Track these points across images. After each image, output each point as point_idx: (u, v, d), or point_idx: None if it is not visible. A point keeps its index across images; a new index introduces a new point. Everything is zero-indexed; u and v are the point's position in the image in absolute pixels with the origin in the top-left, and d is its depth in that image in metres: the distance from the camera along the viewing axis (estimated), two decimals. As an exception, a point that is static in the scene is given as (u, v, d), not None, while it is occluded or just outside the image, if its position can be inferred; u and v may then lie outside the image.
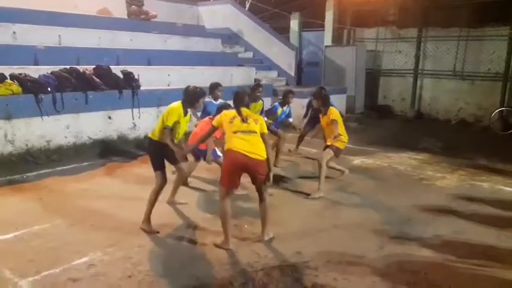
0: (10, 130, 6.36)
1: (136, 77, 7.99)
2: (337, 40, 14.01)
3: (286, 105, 7.30)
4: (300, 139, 8.01)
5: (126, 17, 11.60)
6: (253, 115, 4.28)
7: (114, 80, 7.70)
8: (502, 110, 11.20)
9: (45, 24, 8.87)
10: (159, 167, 4.57)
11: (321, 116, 6.22)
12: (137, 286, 3.45)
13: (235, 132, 4.09)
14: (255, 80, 11.21)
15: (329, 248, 4.20)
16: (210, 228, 4.57)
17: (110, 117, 7.57)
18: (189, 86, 4.68)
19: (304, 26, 14.58)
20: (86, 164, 6.67)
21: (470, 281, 3.68)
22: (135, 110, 7.89)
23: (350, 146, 7.07)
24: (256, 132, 4.13)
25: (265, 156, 4.11)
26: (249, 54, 13.58)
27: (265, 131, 4.23)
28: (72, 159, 6.69)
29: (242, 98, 4.30)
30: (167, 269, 3.72)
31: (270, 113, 7.25)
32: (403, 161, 7.77)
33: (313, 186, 5.84)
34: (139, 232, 4.44)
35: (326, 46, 13.70)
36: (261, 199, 4.27)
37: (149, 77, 8.65)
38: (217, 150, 5.65)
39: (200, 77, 9.88)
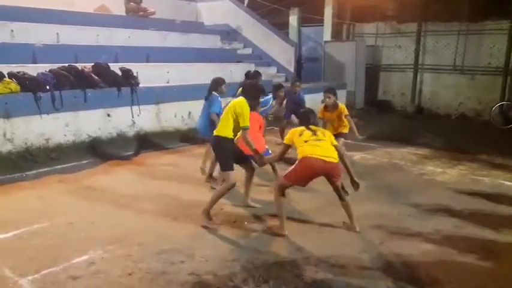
0: (9, 129, 6.34)
1: (135, 74, 7.96)
2: (336, 35, 13.98)
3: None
4: (282, 132, 8.10)
5: (124, 14, 11.55)
6: (320, 129, 4.58)
7: (112, 78, 7.67)
8: (502, 104, 11.18)
9: (43, 22, 8.83)
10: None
11: (329, 112, 6.62)
12: (138, 284, 3.45)
13: (306, 141, 4.29)
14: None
15: (329, 244, 4.19)
16: (209, 225, 4.55)
17: (109, 115, 7.55)
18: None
19: (303, 22, 14.53)
20: (85, 162, 6.66)
21: (470, 276, 3.67)
22: (134, 108, 7.86)
23: (349, 141, 7.08)
24: (325, 140, 4.34)
25: (338, 160, 4.28)
26: (248, 51, 13.54)
27: (335, 143, 4.47)
28: (72, 158, 6.67)
29: (309, 117, 4.59)
30: (167, 267, 3.71)
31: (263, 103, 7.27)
32: (404, 156, 7.76)
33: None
34: (139, 230, 4.44)
35: (325, 41, 13.67)
36: (341, 198, 4.46)
37: (148, 74, 8.62)
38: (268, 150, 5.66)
39: (199, 73, 9.87)
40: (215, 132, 4.65)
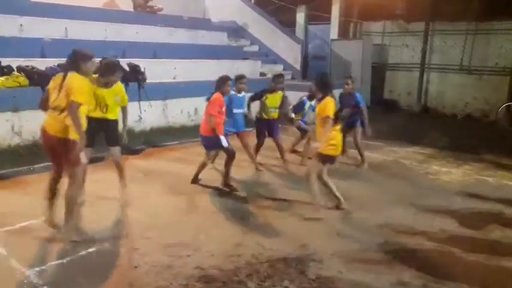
0: (17, 122, 6.40)
1: (142, 70, 7.99)
2: (343, 34, 13.95)
3: (314, 100, 7.02)
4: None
5: (132, 9, 11.59)
6: None
7: (120, 73, 7.71)
8: (509, 104, 11.14)
9: (52, 17, 8.88)
10: None
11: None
12: (144, 276, 3.48)
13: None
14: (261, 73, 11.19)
15: (334, 241, 4.21)
16: (215, 220, 4.59)
17: (116, 110, 7.58)
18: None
19: (310, 19, 14.51)
20: (92, 156, 6.68)
21: (474, 274, 3.68)
22: (142, 103, 7.90)
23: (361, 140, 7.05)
24: None
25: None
26: (255, 48, 13.55)
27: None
28: (79, 152, 6.70)
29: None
30: (173, 260, 3.74)
31: (297, 109, 6.91)
32: (409, 155, 7.75)
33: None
34: (146, 224, 4.47)
35: (332, 40, 13.64)
36: None
37: (155, 70, 8.65)
38: None
39: (206, 70, 9.90)
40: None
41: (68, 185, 3.97)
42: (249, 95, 6.55)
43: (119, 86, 4.66)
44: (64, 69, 4.04)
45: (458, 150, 8.05)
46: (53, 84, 3.96)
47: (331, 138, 4.70)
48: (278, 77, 6.77)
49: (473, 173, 6.71)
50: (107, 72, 4.66)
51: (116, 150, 4.85)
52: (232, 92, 6.01)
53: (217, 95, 5.44)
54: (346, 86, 6.74)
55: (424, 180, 6.34)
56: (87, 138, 3.95)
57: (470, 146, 8.40)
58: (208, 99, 5.53)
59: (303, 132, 7.03)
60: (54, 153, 4.00)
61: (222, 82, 5.54)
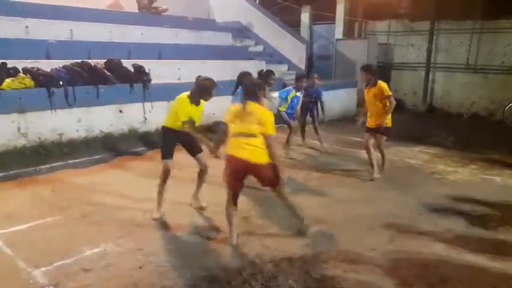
0: (23, 123, 6.44)
1: (147, 70, 8.01)
2: (348, 33, 13.91)
3: (300, 91, 7.37)
4: (303, 129, 8.14)
5: (137, 11, 11.62)
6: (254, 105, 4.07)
7: (125, 74, 7.73)
8: (515, 103, 11.05)
9: (57, 19, 8.91)
10: None
11: (366, 89, 6.21)
12: (148, 276, 3.50)
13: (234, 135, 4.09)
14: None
15: (339, 241, 4.20)
16: (221, 221, 4.58)
17: (121, 111, 7.62)
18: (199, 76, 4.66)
19: (315, 19, 14.49)
20: (97, 157, 6.73)
21: (480, 275, 3.66)
22: (146, 104, 7.92)
23: (361, 139, 7.05)
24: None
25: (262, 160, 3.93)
26: (260, 48, 13.53)
27: (269, 131, 3.92)
28: (84, 153, 6.75)
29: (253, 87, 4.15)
30: (178, 260, 3.76)
31: (282, 95, 7.39)
32: (415, 155, 7.72)
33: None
34: (150, 224, 4.49)
35: (337, 39, 13.61)
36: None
37: (160, 71, 8.67)
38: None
39: (210, 70, 9.88)
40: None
41: None
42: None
43: (203, 102, 4.70)
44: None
45: (464, 149, 8.01)
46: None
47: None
48: (270, 73, 6.92)
49: (480, 172, 6.66)
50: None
51: (204, 155, 4.88)
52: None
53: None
54: (316, 81, 7.86)
55: (430, 180, 6.30)
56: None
57: (476, 145, 8.35)
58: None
59: (287, 124, 7.35)
60: None
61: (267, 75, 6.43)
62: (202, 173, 4.93)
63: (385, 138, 6.26)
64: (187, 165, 5.33)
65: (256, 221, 4.68)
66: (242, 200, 5.15)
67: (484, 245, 4.18)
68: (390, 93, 6.00)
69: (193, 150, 4.86)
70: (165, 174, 4.69)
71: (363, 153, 6.83)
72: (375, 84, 6.00)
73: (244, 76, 5.88)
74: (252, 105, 3.93)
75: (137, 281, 3.42)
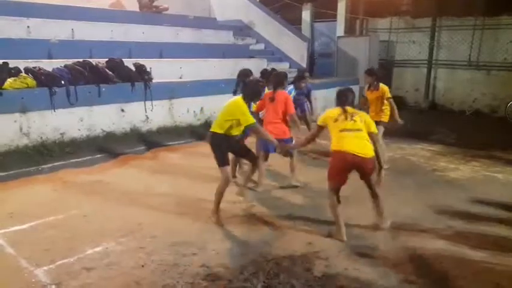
0: (25, 123, 6.46)
1: (148, 69, 8.02)
2: (349, 30, 13.89)
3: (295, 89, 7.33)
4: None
5: (138, 10, 11.63)
6: (358, 112, 4.23)
7: (126, 73, 7.74)
8: (518, 100, 11.02)
9: (59, 18, 8.93)
10: None
11: (369, 91, 6.65)
12: (150, 275, 3.50)
13: (342, 131, 4.08)
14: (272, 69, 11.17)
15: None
16: (221, 218, 4.59)
17: (122, 110, 7.63)
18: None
19: (316, 17, 14.47)
20: (99, 156, 6.74)
21: (482, 271, 3.65)
22: (148, 103, 7.93)
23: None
24: (361, 131, 4.11)
25: (372, 154, 4.10)
26: (261, 46, 13.52)
27: (373, 130, 4.21)
28: (86, 152, 6.76)
29: (346, 96, 4.27)
30: (179, 259, 3.76)
31: None
32: (416, 152, 7.70)
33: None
34: (151, 223, 4.49)
35: (338, 37, 13.59)
36: (373, 195, 4.37)
37: (161, 70, 8.68)
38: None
39: (212, 69, 9.91)
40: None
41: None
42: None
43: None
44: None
45: (466, 146, 7.99)
46: None
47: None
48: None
49: (482, 169, 6.65)
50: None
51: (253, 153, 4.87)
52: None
53: (285, 92, 5.71)
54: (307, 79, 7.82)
55: (432, 177, 6.29)
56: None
57: (478, 142, 8.33)
58: (272, 99, 5.47)
59: None
60: None
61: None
62: (253, 165, 4.85)
63: (382, 130, 6.43)
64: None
65: (257, 219, 4.68)
66: (242, 199, 5.19)
67: (486, 242, 4.17)
68: (391, 96, 6.54)
69: (242, 154, 4.89)
70: (227, 183, 4.49)
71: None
72: (377, 87, 6.53)
73: (244, 74, 5.87)
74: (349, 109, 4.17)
75: (139, 280, 3.43)
